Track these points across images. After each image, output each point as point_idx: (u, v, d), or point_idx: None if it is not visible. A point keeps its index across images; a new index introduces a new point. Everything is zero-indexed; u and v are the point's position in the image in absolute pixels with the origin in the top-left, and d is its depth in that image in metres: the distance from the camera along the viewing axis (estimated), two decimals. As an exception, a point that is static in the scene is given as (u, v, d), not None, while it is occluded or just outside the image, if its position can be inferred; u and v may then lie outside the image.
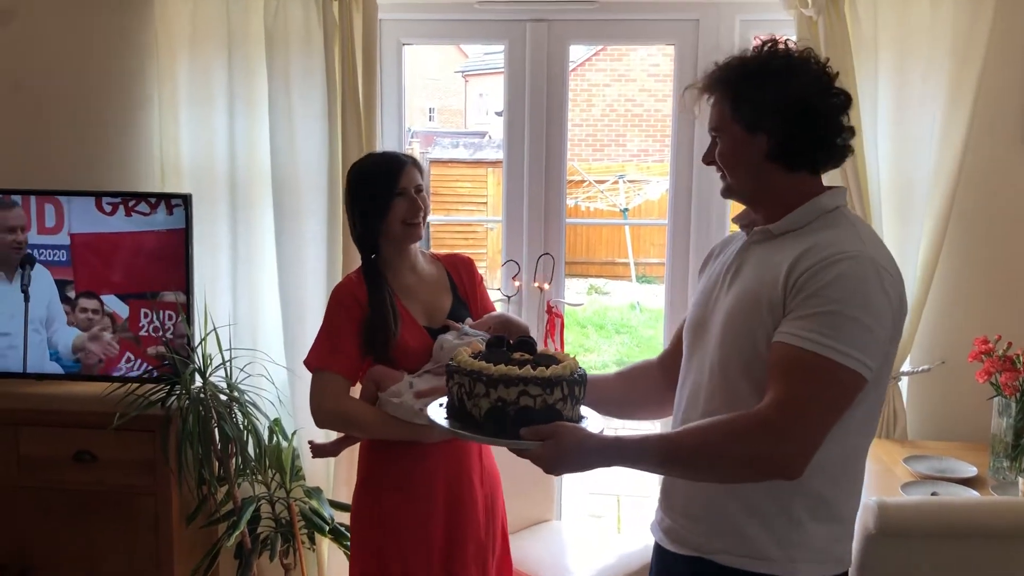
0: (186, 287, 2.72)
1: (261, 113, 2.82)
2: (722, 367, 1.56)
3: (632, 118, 13.91)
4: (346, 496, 2.84)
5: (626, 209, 10.56)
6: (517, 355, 1.64)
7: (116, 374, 2.75)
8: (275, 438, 2.81)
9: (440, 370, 1.98)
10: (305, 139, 2.80)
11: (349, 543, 2.69)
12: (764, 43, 1.57)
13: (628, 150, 13.72)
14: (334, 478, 2.89)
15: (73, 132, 2.96)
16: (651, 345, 7.76)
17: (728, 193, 1.63)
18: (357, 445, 2.24)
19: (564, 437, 1.50)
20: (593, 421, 1.63)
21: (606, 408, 1.81)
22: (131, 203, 2.73)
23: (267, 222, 2.87)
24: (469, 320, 2.13)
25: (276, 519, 2.82)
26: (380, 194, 2.06)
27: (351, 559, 2.19)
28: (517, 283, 3.01)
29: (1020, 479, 2.30)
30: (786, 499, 1.51)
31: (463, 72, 17.89)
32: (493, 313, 2.18)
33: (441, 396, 1.92)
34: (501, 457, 2.18)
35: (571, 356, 1.67)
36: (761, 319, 1.49)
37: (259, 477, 2.79)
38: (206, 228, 2.85)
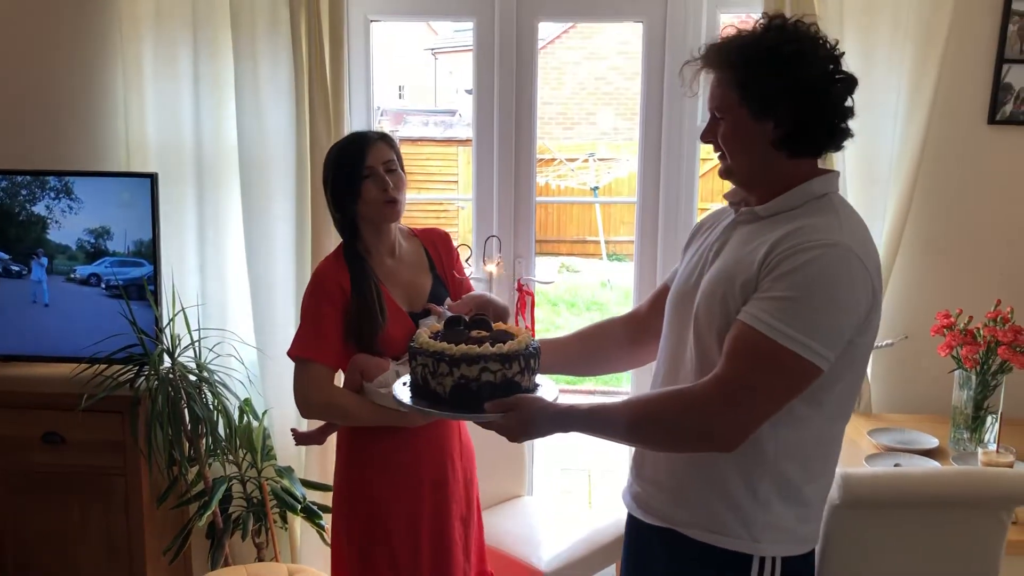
0: (154, 267, 2.70)
1: (227, 92, 2.79)
2: (697, 341, 1.57)
3: (602, 96, 13.88)
4: (318, 475, 2.85)
5: (596, 187, 10.57)
6: (475, 333, 1.72)
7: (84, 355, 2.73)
8: (246, 418, 2.81)
9: None
10: (272, 117, 2.78)
11: (327, 523, 2.72)
12: (771, 20, 1.52)
13: (599, 128, 13.71)
14: (306, 457, 2.89)
15: (37, 111, 2.91)
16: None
17: (727, 175, 1.60)
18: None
19: (525, 408, 1.59)
20: (547, 388, 1.72)
21: (569, 367, 1.94)
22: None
23: (235, 201, 2.85)
24: (448, 302, 2.12)
25: (248, 499, 2.82)
26: (350, 177, 2.02)
27: (333, 540, 2.18)
28: (493, 266, 3.00)
29: (979, 450, 2.35)
30: (754, 479, 1.52)
31: (433, 50, 17.73)
32: (473, 294, 2.16)
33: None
34: (474, 434, 2.20)
35: (524, 329, 1.76)
36: (734, 298, 1.49)
37: (230, 457, 2.79)
38: (173, 207, 2.83)
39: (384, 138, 2.08)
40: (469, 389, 1.63)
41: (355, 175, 2.02)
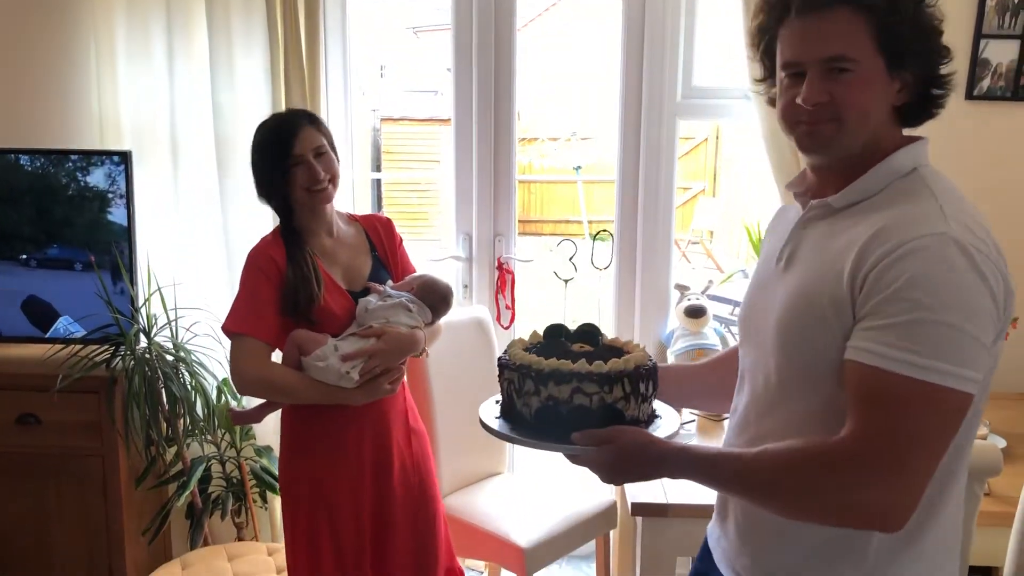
0: (128, 246, 2.67)
1: (202, 69, 2.76)
2: (779, 379, 1.30)
3: (584, 74, 13.83)
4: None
5: (579, 167, 10.55)
6: (576, 346, 1.49)
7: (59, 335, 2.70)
8: (224, 397, 2.79)
9: (365, 332, 1.98)
10: (248, 94, 2.75)
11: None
12: None
13: (581, 106, 13.66)
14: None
15: (8, 89, 2.87)
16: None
17: (827, 148, 1.27)
18: (278, 411, 2.19)
19: (622, 442, 1.30)
20: (667, 421, 1.44)
21: (700, 402, 1.62)
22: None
23: (210, 179, 2.82)
24: (390, 282, 2.12)
25: (227, 478, 2.81)
26: (276, 165, 1.99)
27: (284, 525, 2.15)
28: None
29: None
30: (856, 535, 1.25)
31: (414, 28, 17.59)
32: (415, 275, 2.16)
33: (366, 358, 1.93)
34: (447, 413, 2.19)
35: (641, 347, 1.49)
36: (824, 324, 1.21)
37: (208, 437, 2.78)
38: (148, 185, 2.79)
39: (312, 120, 2.04)
40: (558, 413, 1.37)
41: (283, 162, 1.98)
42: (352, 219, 2.20)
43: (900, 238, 1.15)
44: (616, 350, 1.48)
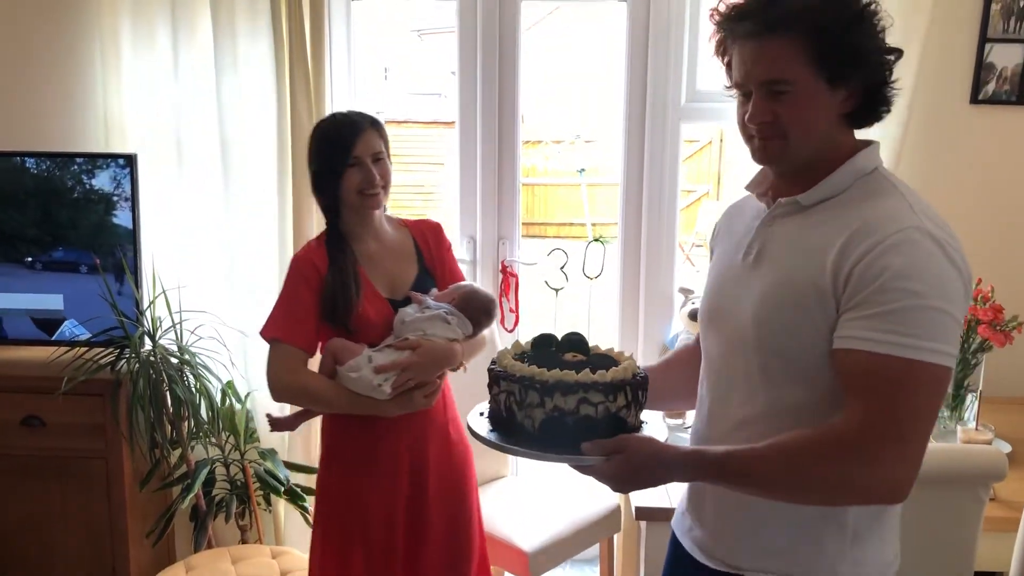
0: (133, 249, 2.67)
1: (207, 72, 2.76)
2: (763, 371, 1.36)
3: (589, 77, 13.84)
4: (301, 457, 2.85)
5: (583, 169, 10.56)
6: (569, 356, 1.48)
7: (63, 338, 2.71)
8: (228, 400, 2.80)
9: (401, 344, 1.94)
10: (252, 97, 2.75)
11: (311, 505, 2.71)
12: None
13: (585, 109, 13.67)
14: (289, 439, 2.88)
15: (14, 91, 2.88)
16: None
17: (777, 159, 1.36)
18: (317, 419, 2.17)
19: (633, 451, 1.33)
20: (655, 427, 1.45)
21: (668, 403, 1.66)
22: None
23: (215, 181, 2.82)
24: (434, 291, 2.07)
25: (231, 481, 2.82)
26: (333, 162, 1.96)
27: (313, 534, 2.14)
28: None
29: (959, 427, 2.37)
30: (838, 509, 1.35)
31: (418, 31, 17.62)
32: (458, 284, 2.10)
33: (399, 371, 1.89)
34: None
35: (628, 355, 1.50)
36: (807, 314, 1.29)
37: (213, 439, 2.78)
38: (153, 188, 2.80)
39: (374, 124, 2.02)
40: (564, 424, 1.36)
41: (341, 161, 1.96)
42: (401, 224, 2.16)
43: (880, 234, 1.25)
44: (608, 359, 1.48)
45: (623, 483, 1.35)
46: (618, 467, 1.32)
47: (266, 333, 2.00)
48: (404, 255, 2.10)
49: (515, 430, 1.41)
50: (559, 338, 1.53)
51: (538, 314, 3.96)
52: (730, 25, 1.34)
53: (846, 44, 1.28)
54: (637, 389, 1.41)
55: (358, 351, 1.95)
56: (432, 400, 2.01)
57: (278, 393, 2.00)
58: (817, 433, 1.26)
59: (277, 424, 2.16)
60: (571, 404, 1.36)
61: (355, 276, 1.98)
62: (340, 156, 1.96)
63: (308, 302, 1.97)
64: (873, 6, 1.32)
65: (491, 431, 1.45)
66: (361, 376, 1.90)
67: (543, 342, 1.52)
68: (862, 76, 1.31)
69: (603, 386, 1.36)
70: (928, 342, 1.21)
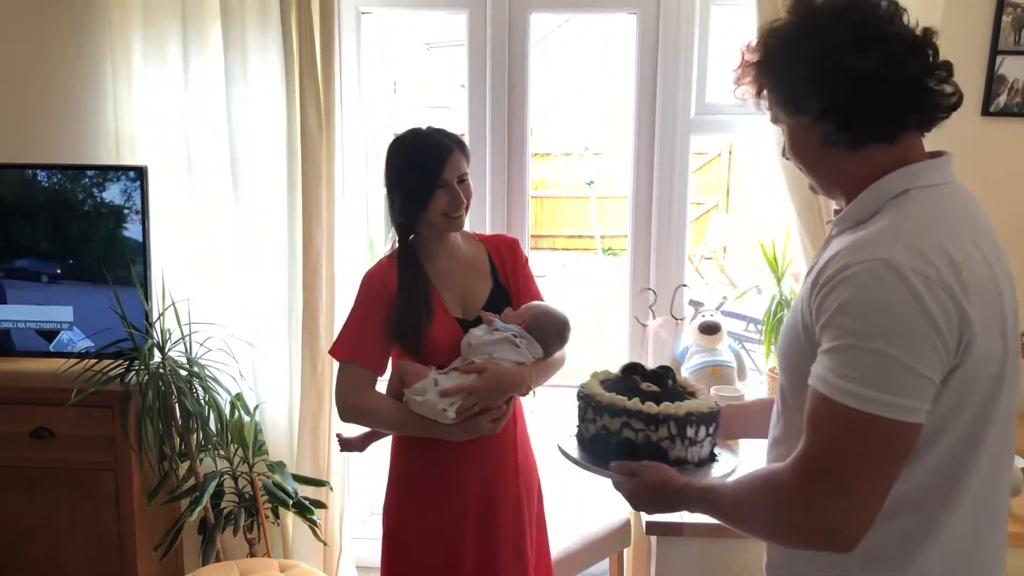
0: (143, 261, 2.68)
1: (217, 85, 2.77)
2: (782, 393, 1.39)
3: (599, 89, 13.87)
4: (310, 470, 2.85)
5: (591, 182, 10.57)
6: (644, 385, 1.62)
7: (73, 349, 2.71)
8: (237, 413, 2.79)
9: (467, 368, 1.91)
10: (263, 109, 2.76)
11: (319, 519, 2.72)
12: (795, 3, 1.31)
13: (594, 121, 13.70)
14: (298, 452, 2.87)
15: (25, 104, 2.89)
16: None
17: (820, 194, 1.42)
18: (387, 439, 2.13)
19: (646, 476, 1.43)
20: (723, 463, 1.56)
21: (751, 431, 1.66)
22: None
23: (225, 193, 2.83)
24: (509, 310, 2.03)
25: (239, 494, 2.81)
26: (422, 185, 1.92)
27: (382, 558, 2.10)
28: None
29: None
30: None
31: (428, 45, 17.70)
32: (530, 304, 2.05)
33: (464, 395, 1.87)
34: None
35: (708, 393, 1.59)
36: (800, 346, 1.28)
37: (221, 452, 2.78)
38: (163, 200, 2.80)
39: (461, 147, 1.97)
40: (607, 442, 1.55)
41: (431, 183, 1.92)
42: (476, 238, 2.13)
43: (843, 263, 1.18)
44: (678, 394, 1.60)
45: (640, 504, 1.46)
46: (634, 488, 1.44)
47: (336, 354, 2.00)
48: (478, 271, 2.07)
49: (580, 441, 1.62)
50: (645, 368, 1.68)
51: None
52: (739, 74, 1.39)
53: (786, 77, 1.29)
54: (685, 425, 1.51)
55: (425, 373, 1.92)
56: (499, 426, 1.96)
57: (345, 413, 1.99)
58: (767, 468, 1.28)
59: (347, 444, 2.15)
60: (615, 426, 1.53)
61: (425, 299, 1.95)
62: (430, 180, 1.92)
63: (377, 323, 1.96)
64: (822, 22, 1.27)
65: (570, 436, 1.66)
66: (427, 400, 1.87)
67: (629, 369, 1.68)
68: (812, 97, 1.26)
69: (646, 416, 1.51)
70: (874, 391, 1.13)
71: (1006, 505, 1.34)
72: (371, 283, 1.99)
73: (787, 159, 1.39)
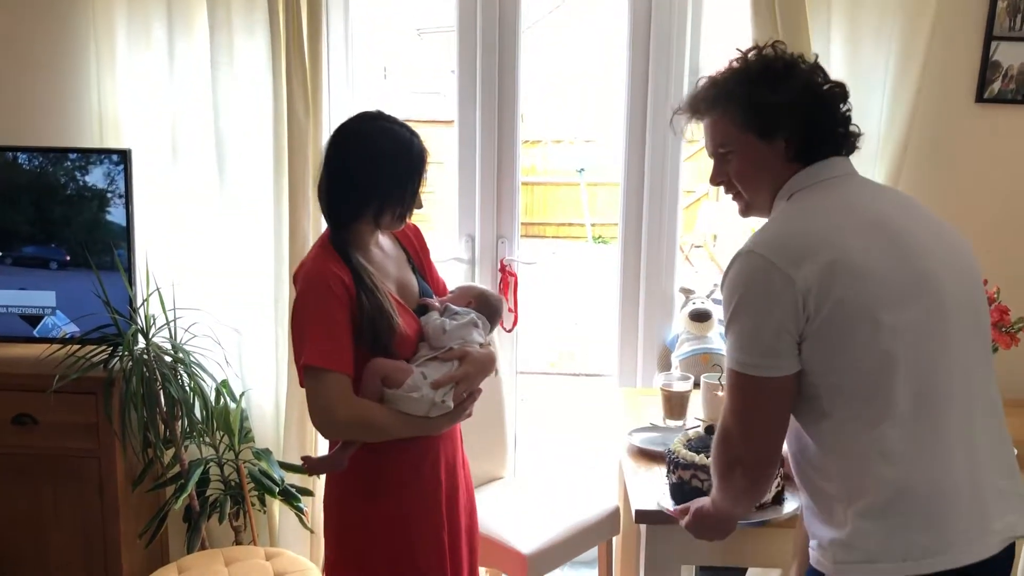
0: (127, 245, 2.64)
1: (203, 67, 2.73)
2: None
3: (589, 77, 13.83)
4: (295, 457, 2.81)
5: (582, 169, 10.54)
6: None
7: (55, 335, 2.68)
8: (222, 399, 2.76)
9: (447, 355, 1.86)
10: (249, 94, 2.72)
11: (306, 506, 2.69)
12: (747, 51, 1.60)
13: (585, 108, 13.66)
14: (284, 439, 2.85)
15: (7, 86, 2.84)
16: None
17: (746, 211, 1.65)
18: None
19: (693, 512, 1.75)
20: (787, 504, 1.96)
21: None
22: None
23: (210, 178, 2.79)
24: (452, 294, 2.01)
25: (225, 481, 2.78)
26: (409, 189, 1.84)
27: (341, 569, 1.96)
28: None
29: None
30: (824, 502, 1.53)
31: (418, 30, 17.60)
32: (463, 286, 2.04)
33: (454, 384, 1.83)
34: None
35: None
36: None
37: (207, 439, 2.75)
38: (147, 184, 2.76)
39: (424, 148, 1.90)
40: (683, 490, 1.96)
41: (415, 189, 1.86)
42: None
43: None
44: None
45: (700, 534, 1.75)
46: (688, 524, 1.75)
47: (312, 362, 1.74)
48: (401, 261, 2.00)
49: (669, 488, 2.04)
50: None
51: (537, 315, 3.91)
52: (686, 114, 1.66)
53: (758, 105, 1.53)
54: None
55: (408, 370, 1.82)
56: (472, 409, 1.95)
57: (338, 429, 1.82)
58: None
59: (318, 466, 1.92)
60: (687, 476, 1.97)
61: (386, 294, 1.84)
62: (410, 187, 1.85)
63: (344, 323, 1.77)
64: (792, 61, 1.57)
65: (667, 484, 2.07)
66: (422, 396, 1.79)
67: (710, 430, 1.97)
68: (788, 124, 1.53)
69: (708, 468, 1.79)
70: (742, 354, 1.46)
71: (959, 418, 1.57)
72: (330, 280, 1.77)
73: (718, 184, 1.65)
